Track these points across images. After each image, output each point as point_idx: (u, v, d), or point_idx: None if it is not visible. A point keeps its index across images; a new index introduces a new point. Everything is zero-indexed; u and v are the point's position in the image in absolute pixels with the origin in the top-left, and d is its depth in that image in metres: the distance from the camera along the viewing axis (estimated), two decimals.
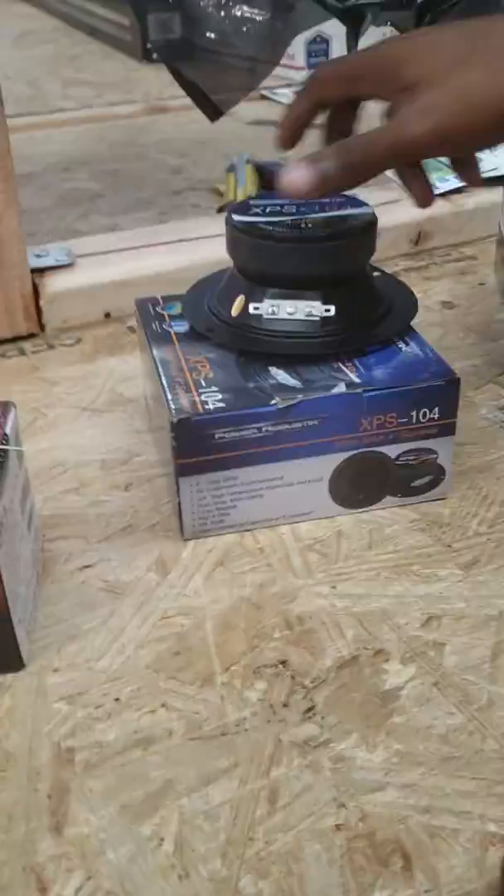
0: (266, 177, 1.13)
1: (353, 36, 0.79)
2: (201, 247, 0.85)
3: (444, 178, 0.97)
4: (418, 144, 0.45)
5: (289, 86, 1.57)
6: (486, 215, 0.93)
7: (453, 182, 0.96)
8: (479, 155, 1.00)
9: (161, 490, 0.59)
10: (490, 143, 0.50)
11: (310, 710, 0.43)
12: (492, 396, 0.68)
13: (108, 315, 0.82)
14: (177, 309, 0.63)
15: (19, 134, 1.10)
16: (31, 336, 0.79)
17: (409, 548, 0.53)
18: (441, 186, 0.95)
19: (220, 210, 1.04)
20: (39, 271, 0.80)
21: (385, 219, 0.61)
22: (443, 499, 0.56)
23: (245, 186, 1.06)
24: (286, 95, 1.55)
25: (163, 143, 1.41)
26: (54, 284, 0.80)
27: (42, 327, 0.80)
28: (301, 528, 0.55)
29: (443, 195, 0.94)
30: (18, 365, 0.75)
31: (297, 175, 0.47)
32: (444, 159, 1.02)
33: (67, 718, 0.43)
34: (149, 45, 1.87)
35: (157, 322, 0.61)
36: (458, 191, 0.95)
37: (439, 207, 0.92)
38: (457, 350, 0.74)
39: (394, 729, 0.41)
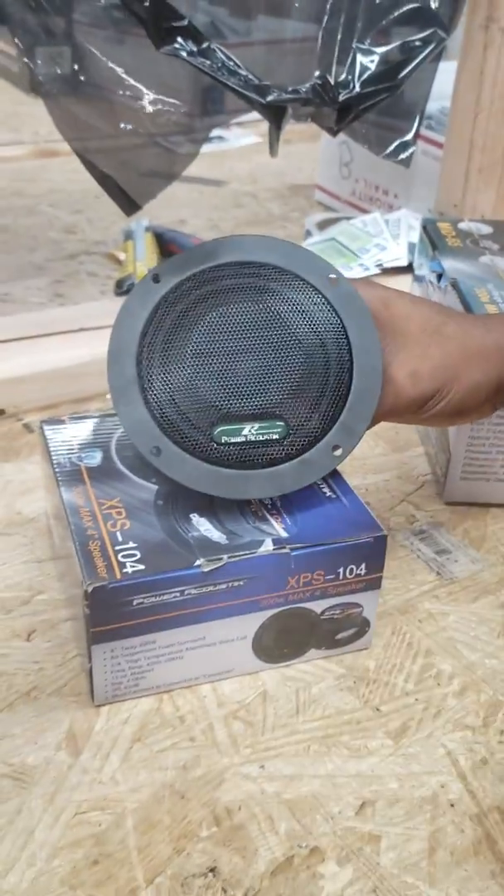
0: (166, 245, 1.10)
1: (276, 129, 0.77)
2: (104, 337, 0.81)
3: (347, 266, 0.96)
4: None
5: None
6: None
7: (358, 271, 0.95)
8: (382, 242, 1.00)
9: (68, 639, 0.54)
10: None
11: None
12: (406, 519, 0.67)
13: (1, 412, 0.77)
14: (87, 436, 0.58)
15: None
16: None
17: (337, 713, 0.50)
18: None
19: (118, 285, 1.00)
20: None
21: None
22: (367, 648, 0.55)
23: (145, 260, 1.02)
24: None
25: (54, 193, 1.35)
26: None
27: None
28: (224, 689, 0.52)
29: None
30: None
31: None
32: (349, 245, 1.02)
33: None
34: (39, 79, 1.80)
35: (64, 453, 0.57)
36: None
37: None
38: (367, 461, 0.73)
39: None
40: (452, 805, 0.45)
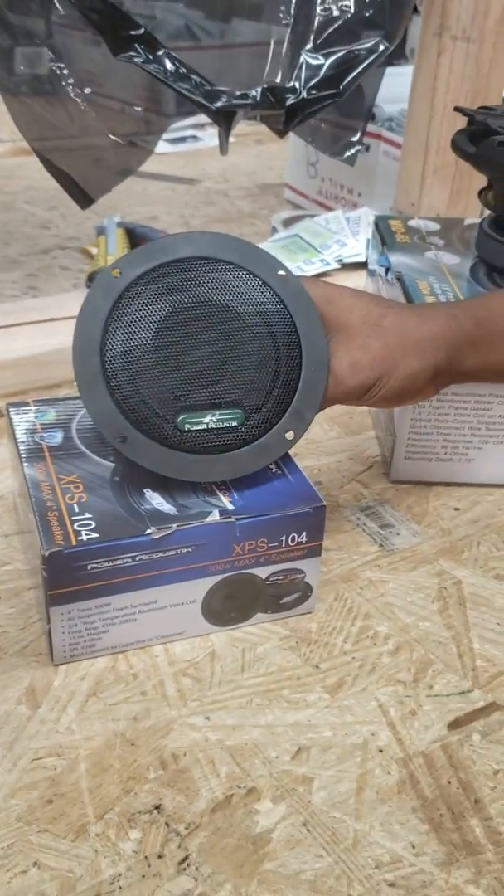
0: (137, 241, 1.14)
1: (225, 131, 0.81)
2: (72, 327, 0.84)
3: (309, 261, 1.00)
4: None
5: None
6: None
7: (318, 266, 1.00)
8: (342, 239, 1.04)
9: (31, 605, 0.58)
10: None
11: (184, 860, 0.43)
12: (354, 497, 0.71)
13: None
14: (49, 417, 0.62)
15: None
16: None
17: (279, 669, 0.54)
18: (307, 269, 0.99)
19: (90, 279, 1.03)
20: None
21: None
22: (310, 612, 0.59)
23: (116, 254, 1.06)
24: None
25: (30, 190, 1.38)
26: None
27: None
28: (175, 649, 0.56)
29: None
30: None
31: None
32: (311, 241, 1.06)
33: None
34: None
35: (28, 432, 0.60)
36: (323, 275, 0.99)
37: None
38: (321, 444, 0.77)
39: (265, 877, 0.43)
40: (381, 750, 0.49)
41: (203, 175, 1.51)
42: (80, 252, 1.16)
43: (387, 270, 0.75)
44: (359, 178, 1.20)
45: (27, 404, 0.63)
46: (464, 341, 0.58)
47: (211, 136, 1.68)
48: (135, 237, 1.14)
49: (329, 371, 0.55)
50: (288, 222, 1.15)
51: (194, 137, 1.66)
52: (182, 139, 1.65)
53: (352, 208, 1.21)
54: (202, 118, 1.66)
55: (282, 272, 0.55)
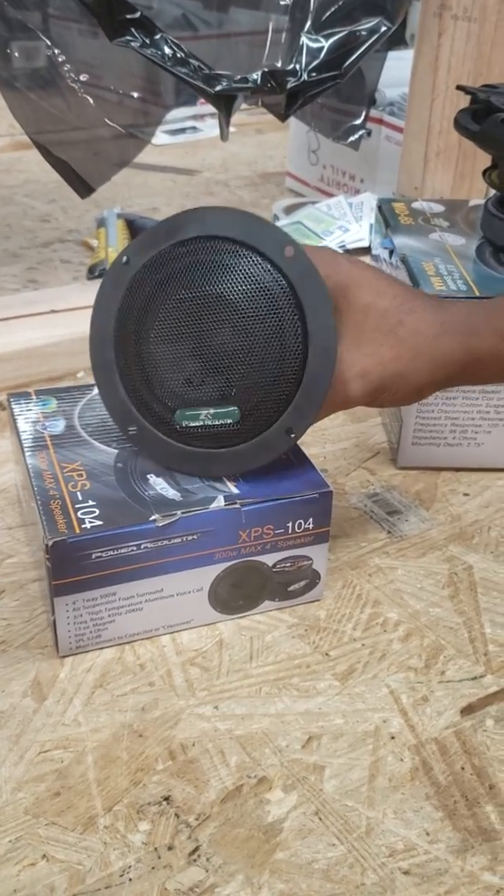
0: (137, 232, 1.13)
1: (225, 116, 0.80)
2: (74, 319, 0.84)
3: None
4: None
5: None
6: None
7: None
8: (345, 224, 1.04)
9: (35, 597, 0.57)
10: None
11: (195, 851, 0.42)
12: (361, 483, 0.70)
13: None
14: (51, 406, 0.61)
15: None
16: None
17: (288, 657, 0.53)
18: None
19: (90, 271, 1.02)
20: None
21: None
22: (318, 600, 0.58)
23: (117, 246, 1.05)
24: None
25: (29, 184, 1.37)
26: None
27: None
28: (182, 638, 0.55)
29: None
30: None
31: None
32: (314, 228, 1.05)
33: None
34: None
35: (30, 422, 0.59)
36: None
37: None
38: (326, 432, 0.76)
39: (277, 867, 0.42)
40: (393, 737, 0.49)
41: (203, 165, 1.50)
42: (81, 245, 1.15)
43: (391, 253, 0.74)
44: (361, 164, 1.19)
45: (28, 395, 0.63)
46: (484, 356, 0.54)
47: (211, 126, 1.67)
48: (135, 229, 1.13)
49: (337, 380, 0.52)
50: (290, 209, 1.14)
51: (194, 128, 1.65)
52: (181, 130, 1.64)
53: (354, 195, 1.20)
54: (201, 109, 1.65)
55: (290, 248, 0.51)
